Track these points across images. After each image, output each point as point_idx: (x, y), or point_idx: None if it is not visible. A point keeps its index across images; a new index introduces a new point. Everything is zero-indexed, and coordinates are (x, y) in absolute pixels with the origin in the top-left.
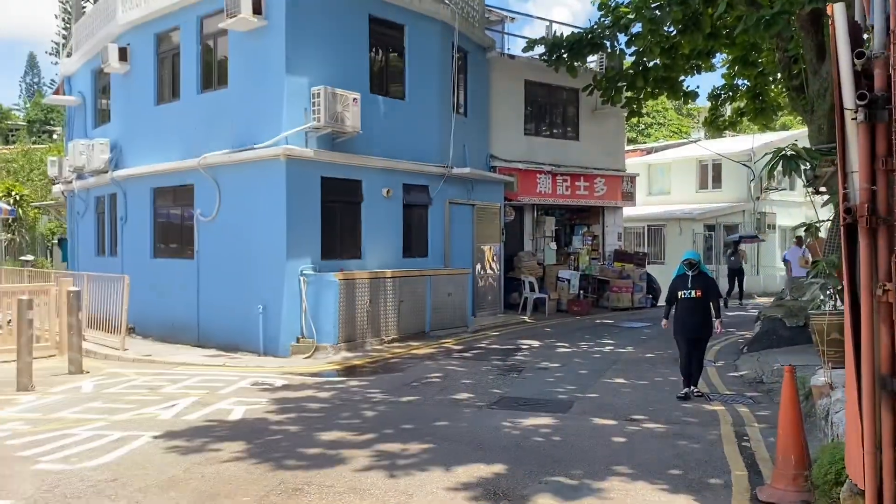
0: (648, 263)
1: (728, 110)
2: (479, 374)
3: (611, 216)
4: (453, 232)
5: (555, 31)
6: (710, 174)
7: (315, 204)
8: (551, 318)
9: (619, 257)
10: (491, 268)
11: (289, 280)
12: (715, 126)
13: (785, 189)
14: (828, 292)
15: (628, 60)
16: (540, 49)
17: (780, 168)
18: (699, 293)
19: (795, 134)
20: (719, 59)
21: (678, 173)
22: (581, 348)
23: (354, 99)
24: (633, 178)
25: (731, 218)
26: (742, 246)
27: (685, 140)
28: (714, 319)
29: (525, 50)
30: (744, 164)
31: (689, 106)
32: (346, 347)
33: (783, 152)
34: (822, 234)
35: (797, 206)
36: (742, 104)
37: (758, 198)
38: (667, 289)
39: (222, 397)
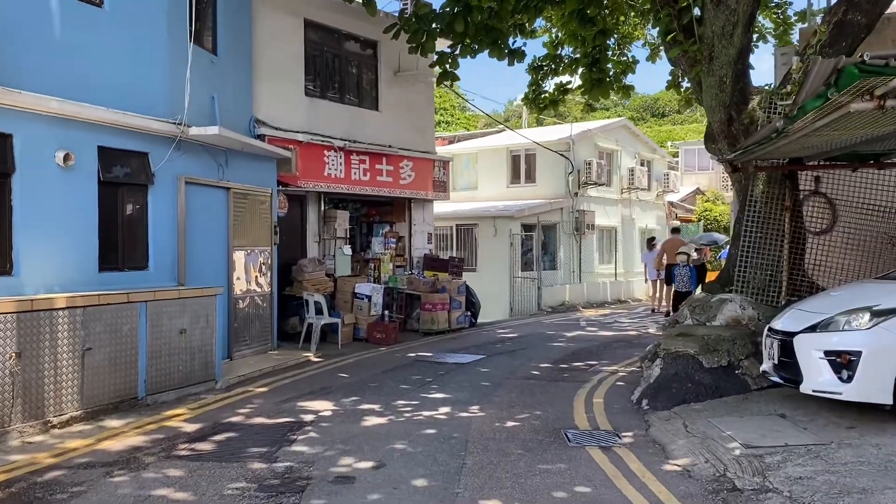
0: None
1: (551, 86)
2: None
3: (419, 211)
4: (194, 229)
5: None
6: (523, 166)
7: None
8: (347, 352)
9: (429, 264)
10: (258, 283)
11: None
12: (536, 105)
13: (604, 184)
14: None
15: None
16: None
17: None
18: None
19: (613, 122)
20: (542, 28)
21: (486, 165)
22: (402, 414)
23: None
24: (446, 164)
25: (549, 216)
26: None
27: (495, 129)
28: None
29: None
30: (561, 155)
31: (468, 112)
32: None
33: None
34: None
35: (613, 205)
36: (566, 78)
37: (576, 194)
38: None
39: None
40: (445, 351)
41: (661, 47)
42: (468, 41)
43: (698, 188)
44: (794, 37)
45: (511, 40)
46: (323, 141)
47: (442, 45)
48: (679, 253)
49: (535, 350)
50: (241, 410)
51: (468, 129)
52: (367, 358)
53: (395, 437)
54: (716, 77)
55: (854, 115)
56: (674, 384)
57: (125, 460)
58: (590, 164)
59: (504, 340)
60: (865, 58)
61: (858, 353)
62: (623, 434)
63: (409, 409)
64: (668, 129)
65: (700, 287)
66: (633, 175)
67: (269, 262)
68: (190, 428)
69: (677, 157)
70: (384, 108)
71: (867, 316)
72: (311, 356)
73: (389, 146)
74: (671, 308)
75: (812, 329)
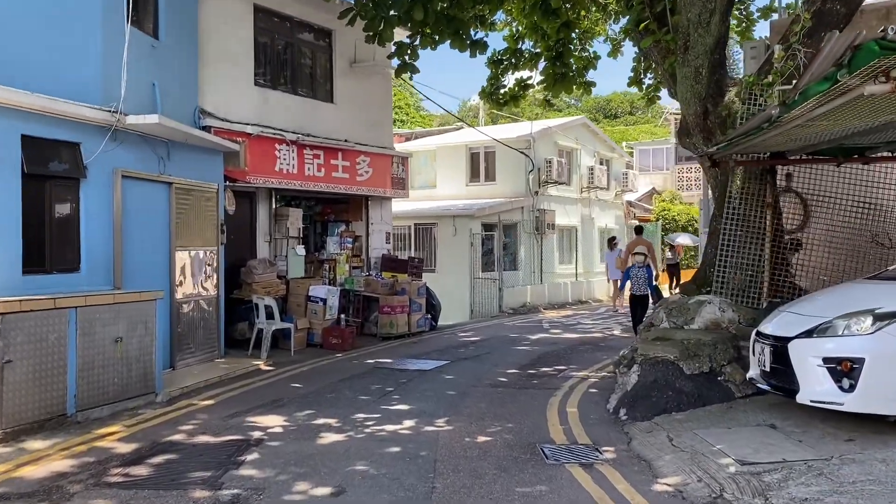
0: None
1: (510, 81)
2: None
3: (377, 209)
4: (132, 227)
5: None
6: (483, 164)
7: None
8: (300, 360)
9: (388, 265)
10: (203, 286)
11: None
12: (495, 100)
13: (564, 183)
14: None
15: None
16: None
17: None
18: None
19: (573, 120)
20: (503, 22)
21: (445, 163)
22: (362, 429)
23: None
24: (405, 160)
25: (510, 216)
26: (680, 240)
27: (452, 127)
28: None
29: None
30: (521, 152)
31: (423, 112)
32: None
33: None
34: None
35: (573, 204)
36: (526, 73)
37: (536, 192)
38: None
39: None
40: (406, 356)
41: (623, 43)
42: (428, 31)
43: (654, 188)
44: (756, 33)
45: (472, 32)
46: (274, 134)
47: (401, 35)
48: (635, 254)
49: (500, 354)
50: (184, 427)
51: (424, 128)
52: (322, 365)
53: (356, 457)
54: (691, 67)
55: (857, 101)
56: (653, 392)
57: (47, 490)
58: (550, 162)
59: (467, 344)
60: (890, 32)
61: (861, 361)
62: (604, 448)
63: (369, 423)
64: (620, 129)
65: (672, 288)
66: (592, 174)
67: (216, 263)
68: (124, 449)
69: (632, 156)
70: (340, 100)
71: (869, 320)
72: (262, 364)
73: (345, 140)
74: (631, 312)
75: (808, 334)
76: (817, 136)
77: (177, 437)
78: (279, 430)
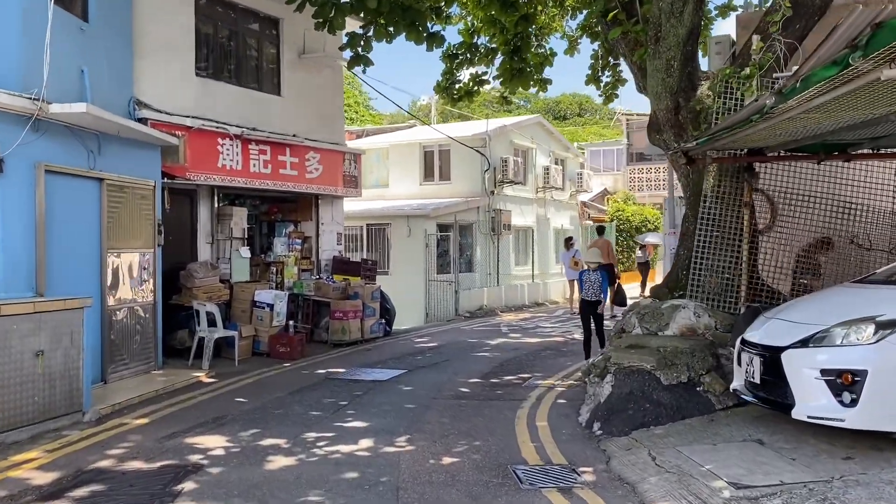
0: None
1: (465, 76)
2: None
3: (328, 209)
4: (57, 228)
5: None
6: (437, 163)
7: None
8: (246, 370)
9: (340, 268)
10: (138, 291)
11: None
12: (450, 95)
13: (520, 183)
14: None
15: None
16: None
17: None
18: None
19: (529, 119)
20: (458, 16)
21: (398, 161)
22: (314, 451)
23: None
24: (357, 157)
25: (465, 216)
26: (649, 240)
27: (404, 125)
28: None
29: None
30: (477, 151)
31: (373, 111)
32: None
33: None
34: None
35: (529, 204)
36: (481, 69)
37: (492, 192)
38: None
39: None
40: (360, 366)
41: (580, 40)
42: (382, 21)
43: (606, 189)
44: (713, 31)
45: (429, 24)
46: (217, 127)
47: (354, 25)
48: (588, 261)
49: (460, 362)
50: (113, 451)
51: (375, 124)
52: (269, 377)
53: (308, 485)
54: (662, 60)
55: (864, 89)
56: (630, 405)
57: None
58: (506, 161)
59: (424, 351)
60: None
61: (863, 373)
62: (582, 469)
63: (322, 443)
64: (570, 130)
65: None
66: (548, 174)
67: (152, 266)
68: (43, 479)
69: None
70: (288, 93)
71: (871, 328)
72: (203, 376)
73: (294, 136)
74: (581, 320)
75: (803, 343)
76: (804, 131)
77: (105, 463)
78: (221, 452)
